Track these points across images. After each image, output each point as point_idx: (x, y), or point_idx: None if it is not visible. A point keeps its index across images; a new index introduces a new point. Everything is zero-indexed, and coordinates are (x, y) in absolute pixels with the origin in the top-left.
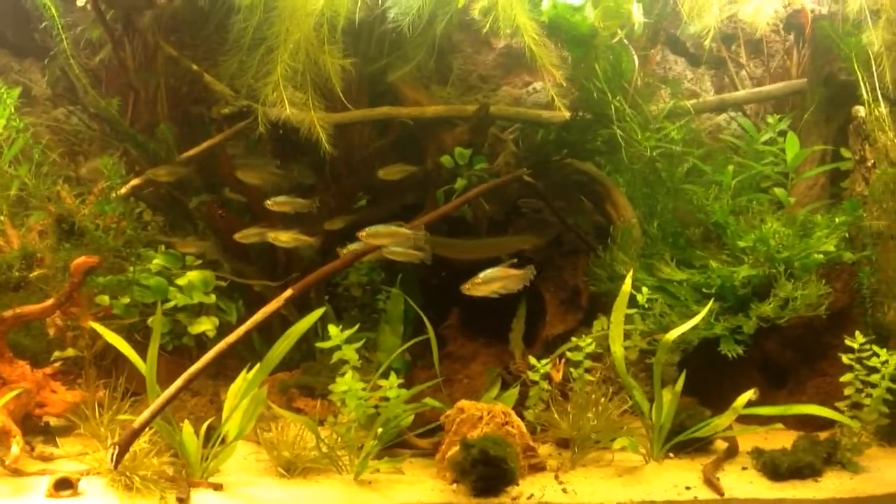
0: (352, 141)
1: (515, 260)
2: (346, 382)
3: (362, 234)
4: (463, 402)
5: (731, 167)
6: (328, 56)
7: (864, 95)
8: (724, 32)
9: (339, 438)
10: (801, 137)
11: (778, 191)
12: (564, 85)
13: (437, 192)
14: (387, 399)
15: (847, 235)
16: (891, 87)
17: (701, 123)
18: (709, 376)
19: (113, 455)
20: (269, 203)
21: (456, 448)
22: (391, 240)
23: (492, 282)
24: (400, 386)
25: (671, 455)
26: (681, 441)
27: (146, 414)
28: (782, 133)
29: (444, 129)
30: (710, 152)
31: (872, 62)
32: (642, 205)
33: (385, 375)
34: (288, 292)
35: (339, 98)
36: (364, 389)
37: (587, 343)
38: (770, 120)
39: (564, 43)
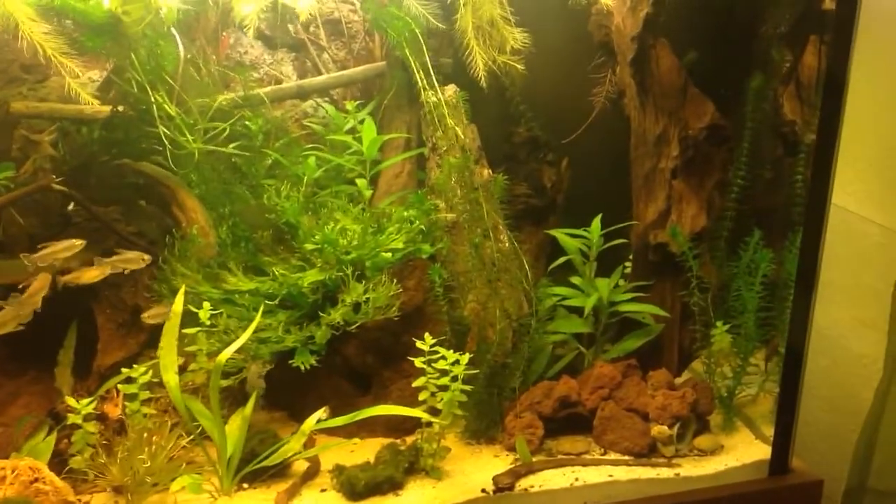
0: None
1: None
2: None
3: None
4: None
5: (312, 159)
6: None
7: (418, 82)
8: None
9: None
10: (384, 123)
11: (359, 181)
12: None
13: None
14: None
15: (423, 229)
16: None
17: (286, 111)
18: (294, 388)
19: None
20: None
21: None
22: None
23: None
24: None
25: (245, 486)
26: (255, 469)
27: None
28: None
29: None
30: (289, 143)
31: (424, 46)
32: (218, 206)
33: None
34: None
35: None
36: None
37: (141, 373)
38: (349, 106)
39: (83, 33)
